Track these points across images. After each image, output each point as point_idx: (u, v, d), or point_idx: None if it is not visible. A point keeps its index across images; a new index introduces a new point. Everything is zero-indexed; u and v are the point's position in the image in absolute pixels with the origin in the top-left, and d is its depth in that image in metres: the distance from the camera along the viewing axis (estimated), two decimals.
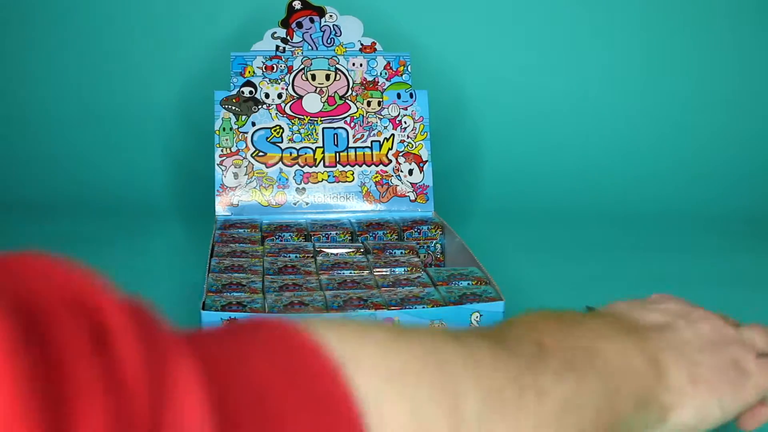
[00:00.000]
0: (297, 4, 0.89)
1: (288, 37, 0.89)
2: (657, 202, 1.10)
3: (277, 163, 0.87)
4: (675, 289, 0.82)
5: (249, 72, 0.88)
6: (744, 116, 1.16)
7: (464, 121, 1.13)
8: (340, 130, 0.88)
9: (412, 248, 0.75)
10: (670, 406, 0.41)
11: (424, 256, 0.81)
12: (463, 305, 0.60)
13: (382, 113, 0.89)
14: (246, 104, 0.88)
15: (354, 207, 0.87)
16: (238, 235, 0.78)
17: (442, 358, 0.32)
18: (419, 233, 0.81)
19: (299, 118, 0.88)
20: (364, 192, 0.87)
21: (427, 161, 0.88)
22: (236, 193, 0.85)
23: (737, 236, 1.00)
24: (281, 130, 0.87)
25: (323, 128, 0.88)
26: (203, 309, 0.59)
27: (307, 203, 0.86)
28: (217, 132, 0.87)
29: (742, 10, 1.15)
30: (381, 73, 0.90)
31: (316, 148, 0.87)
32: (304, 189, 0.86)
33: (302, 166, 0.87)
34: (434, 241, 0.81)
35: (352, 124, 0.88)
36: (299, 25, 0.89)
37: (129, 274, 0.84)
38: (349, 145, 0.88)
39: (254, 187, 0.86)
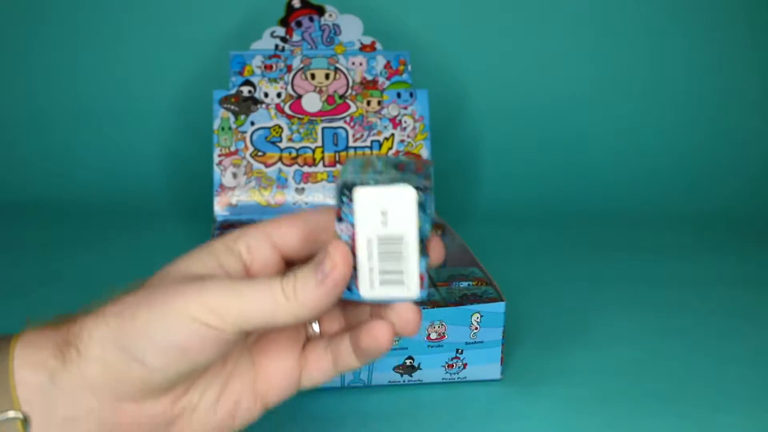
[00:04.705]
0: (296, 3, 0.88)
1: (287, 36, 0.89)
2: (659, 203, 1.10)
3: (276, 162, 0.86)
4: (677, 289, 0.82)
5: (248, 71, 0.87)
6: (747, 116, 1.16)
7: (465, 121, 1.12)
8: (340, 130, 0.87)
9: None
10: None
11: None
12: (464, 306, 0.60)
13: (382, 113, 0.88)
14: (245, 103, 0.87)
15: None
16: None
17: None
18: None
19: (298, 118, 0.87)
20: None
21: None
22: (235, 193, 0.85)
23: (740, 237, 1.00)
24: (280, 130, 0.87)
25: (323, 128, 0.87)
26: None
27: (306, 203, 0.86)
28: (216, 131, 0.86)
29: (742, 9, 1.14)
30: (381, 72, 0.89)
31: (316, 147, 0.87)
32: (303, 189, 0.86)
33: (301, 166, 0.86)
34: None
35: (352, 124, 0.88)
36: (298, 24, 0.89)
37: (127, 275, 0.83)
38: (349, 145, 0.87)
39: (253, 187, 0.85)
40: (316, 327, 0.43)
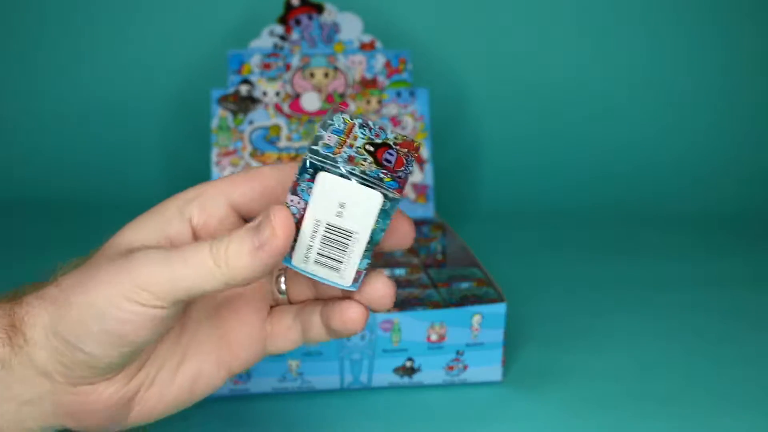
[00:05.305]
0: (295, 1, 0.88)
1: (286, 35, 0.88)
2: (659, 204, 1.09)
3: (274, 162, 0.86)
4: (677, 289, 0.82)
5: (246, 70, 0.87)
6: (747, 116, 1.15)
7: (465, 120, 1.12)
8: None
9: (412, 249, 0.74)
10: None
11: (425, 257, 0.79)
12: (464, 307, 0.59)
13: (382, 112, 0.88)
14: (243, 103, 0.86)
15: None
16: None
17: None
18: (420, 234, 0.80)
19: (297, 117, 0.87)
20: None
21: (427, 161, 0.87)
22: None
23: (740, 237, 0.99)
24: (279, 129, 0.86)
25: None
26: None
27: None
28: (214, 131, 0.85)
29: (743, 9, 1.14)
30: (380, 71, 0.89)
31: None
32: None
33: None
34: (435, 242, 0.80)
35: None
36: (297, 22, 0.88)
37: None
38: None
39: None
40: (282, 286, 0.41)
